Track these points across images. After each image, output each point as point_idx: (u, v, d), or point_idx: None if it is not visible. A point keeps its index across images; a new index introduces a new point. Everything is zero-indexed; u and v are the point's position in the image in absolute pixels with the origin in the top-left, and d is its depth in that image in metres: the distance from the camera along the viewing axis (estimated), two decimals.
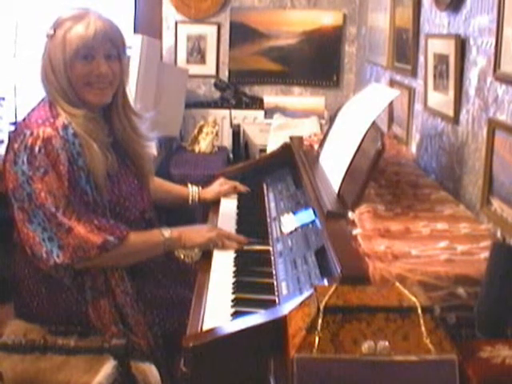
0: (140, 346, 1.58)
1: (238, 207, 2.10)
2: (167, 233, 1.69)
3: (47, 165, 1.53)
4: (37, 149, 1.53)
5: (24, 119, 1.65)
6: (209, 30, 3.78)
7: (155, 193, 2.01)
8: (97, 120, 1.67)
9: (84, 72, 1.61)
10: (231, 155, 3.62)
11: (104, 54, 1.63)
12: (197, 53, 3.80)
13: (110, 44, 1.64)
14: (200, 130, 3.58)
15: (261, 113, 3.70)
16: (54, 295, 1.64)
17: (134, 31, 3.62)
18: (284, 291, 1.45)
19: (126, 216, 1.70)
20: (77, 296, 1.62)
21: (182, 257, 2.28)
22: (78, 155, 1.57)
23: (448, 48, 1.92)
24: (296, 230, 1.71)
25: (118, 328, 1.61)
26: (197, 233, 1.75)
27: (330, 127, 2.12)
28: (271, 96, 3.79)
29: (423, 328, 1.03)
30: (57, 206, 1.53)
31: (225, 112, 3.68)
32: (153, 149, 2.94)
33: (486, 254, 1.29)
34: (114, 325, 1.61)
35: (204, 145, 3.54)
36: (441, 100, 2.02)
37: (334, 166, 1.84)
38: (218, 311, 1.40)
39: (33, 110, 1.66)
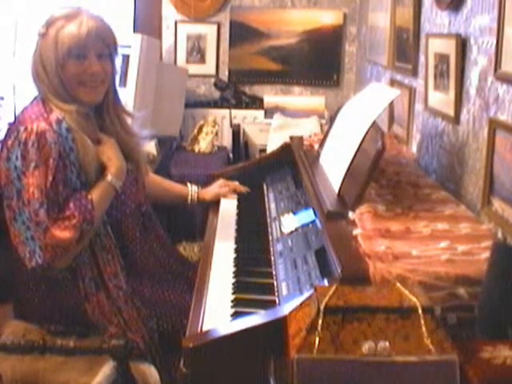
0: (138, 344, 1.58)
1: (238, 207, 2.10)
2: (109, 177, 1.65)
3: (39, 159, 1.53)
4: (30, 143, 1.53)
5: (17, 117, 1.66)
6: (209, 30, 3.78)
7: (154, 190, 2.01)
8: (89, 116, 1.68)
9: (77, 71, 1.61)
10: (231, 155, 3.62)
11: (96, 53, 1.63)
12: (196, 52, 3.80)
13: (101, 43, 1.64)
14: (200, 130, 3.58)
15: (261, 113, 3.70)
16: (54, 293, 1.64)
17: (134, 31, 3.61)
18: (284, 291, 1.45)
19: (122, 209, 1.71)
20: (74, 292, 1.62)
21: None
22: (70, 150, 1.58)
23: (449, 47, 1.91)
24: (296, 230, 1.71)
25: (116, 325, 1.60)
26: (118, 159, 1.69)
27: (330, 127, 2.12)
28: (271, 96, 3.79)
29: (424, 328, 1.02)
30: (42, 201, 1.52)
31: (225, 112, 3.68)
32: (151, 148, 2.95)
33: (486, 254, 1.28)
34: (111, 321, 1.61)
35: (204, 145, 3.54)
36: (441, 100, 2.02)
37: (334, 165, 1.84)
38: (218, 312, 1.39)
39: (26, 107, 1.67)
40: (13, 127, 1.60)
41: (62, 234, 1.53)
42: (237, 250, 1.74)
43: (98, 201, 1.60)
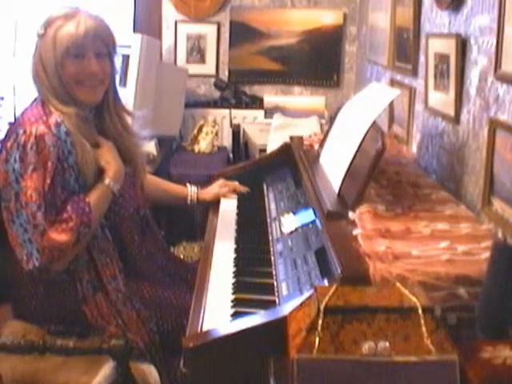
0: (137, 344, 1.58)
1: (238, 207, 2.10)
2: (107, 180, 1.65)
3: (37, 162, 1.53)
4: (29, 146, 1.53)
5: (17, 119, 1.66)
6: (209, 30, 3.78)
7: (153, 192, 2.01)
8: (88, 119, 1.68)
9: (75, 70, 1.61)
10: (231, 155, 3.62)
11: (94, 52, 1.63)
12: (196, 52, 3.80)
13: (100, 42, 1.64)
14: (200, 130, 3.58)
15: (261, 112, 3.70)
16: (52, 294, 1.64)
17: (134, 30, 3.62)
18: (284, 291, 1.44)
19: (120, 213, 1.71)
20: (72, 294, 1.62)
21: (182, 257, 2.28)
22: (68, 153, 1.58)
23: (449, 47, 1.91)
24: (296, 230, 1.71)
25: (115, 326, 1.60)
26: (114, 159, 1.68)
27: (330, 127, 2.12)
28: (271, 96, 3.79)
29: (424, 328, 1.02)
30: (39, 204, 1.52)
31: (225, 112, 3.68)
32: (151, 148, 2.95)
33: (486, 255, 1.28)
34: (110, 322, 1.61)
35: (204, 145, 3.54)
36: (441, 100, 2.02)
37: (334, 165, 1.84)
38: (218, 312, 1.39)
39: (25, 109, 1.67)
40: (12, 129, 1.61)
41: (59, 236, 1.53)
42: (237, 250, 1.74)
43: (96, 204, 1.60)
